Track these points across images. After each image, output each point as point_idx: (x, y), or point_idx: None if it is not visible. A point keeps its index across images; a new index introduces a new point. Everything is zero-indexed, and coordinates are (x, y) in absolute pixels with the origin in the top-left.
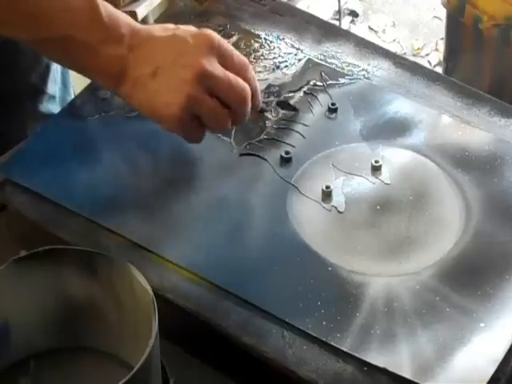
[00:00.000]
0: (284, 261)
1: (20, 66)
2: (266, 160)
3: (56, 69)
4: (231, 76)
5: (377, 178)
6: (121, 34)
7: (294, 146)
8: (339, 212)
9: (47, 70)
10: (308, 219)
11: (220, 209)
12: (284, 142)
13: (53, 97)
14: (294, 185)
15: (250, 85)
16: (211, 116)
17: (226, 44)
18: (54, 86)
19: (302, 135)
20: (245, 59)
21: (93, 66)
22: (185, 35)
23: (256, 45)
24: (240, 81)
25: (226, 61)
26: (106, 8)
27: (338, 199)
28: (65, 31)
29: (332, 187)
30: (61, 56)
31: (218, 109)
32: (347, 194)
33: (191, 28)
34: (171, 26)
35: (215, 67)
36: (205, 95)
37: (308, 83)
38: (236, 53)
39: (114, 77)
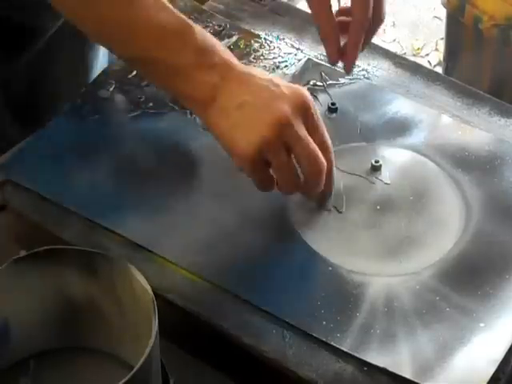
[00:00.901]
0: (284, 261)
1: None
2: None
3: None
4: (313, 143)
5: (377, 178)
6: (214, 61)
7: None
8: (339, 212)
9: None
10: (308, 219)
11: (220, 209)
12: None
13: None
14: None
15: (327, 164)
16: (281, 169)
17: (318, 114)
18: None
19: None
20: (329, 140)
21: (182, 90)
22: (282, 85)
23: (256, 45)
24: (320, 153)
25: (312, 128)
26: (201, 33)
27: (337, 199)
28: (156, 52)
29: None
30: (150, 76)
31: (290, 164)
32: (347, 194)
33: (291, 84)
34: (267, 73)
35: (300, 125)
36: (281, 145)
37: (308, 83)
38: (323, 128)
39: (203, 102)
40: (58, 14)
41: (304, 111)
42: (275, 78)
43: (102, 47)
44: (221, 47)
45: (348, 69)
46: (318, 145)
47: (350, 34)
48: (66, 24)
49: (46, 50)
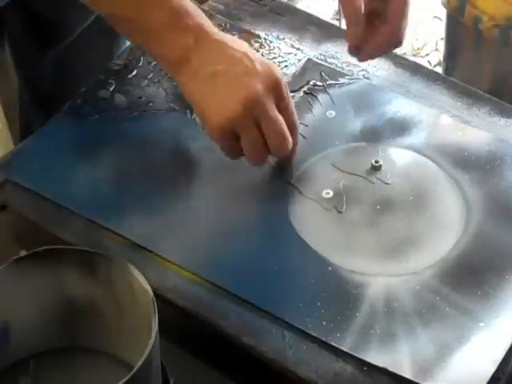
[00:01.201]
0: (284, 261)
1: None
2: None
3: None
4: (281, 122)
5: (377, 178)
6: (188, 24)
7: None
8: (339, 212)
9: None
10: (308, 219)
11: (220, 209)
12: None
13: None
14: (294, 185)
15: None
16: (250, 143)
17: (288, 92)
18: None
19: (302, 135)
20: (297, 118)
21: (156, 50)
22: (256, 60)
23: (256, 45)
24: (287, 131)
25: (281, 106)
26: None
27: (337, 199)
28: (133, 11)
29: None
30: (128, 35)
31: (258, 139)
32: (347, 193)
33: (265, 60)
34: (246, 44)
35: (270, 104)
36: (250, 121)
37: (308, 83)
38: (293, 106)
39: (176, 63)
40: (86, 13)
41: (275, 90)
42: (250, 51)
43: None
44: (197, 12)
45: (361, 58)
46: (286, 122)
47: (381, 34)
48: (94, 23)
49: (72, 47)
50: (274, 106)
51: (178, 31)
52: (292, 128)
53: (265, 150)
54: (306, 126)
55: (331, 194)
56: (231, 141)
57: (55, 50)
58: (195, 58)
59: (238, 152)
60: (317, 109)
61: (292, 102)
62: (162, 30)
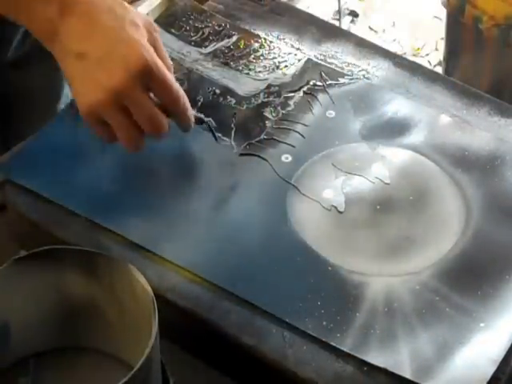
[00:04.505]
0: (284, 261)
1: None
2: (266, 160)
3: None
4: (150, 107)
5: (377, 177)
6: None
7: (294, 146)
8: (339, 212)
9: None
10: (308, 219)
11: (220, 209)
12: (284, 142)
13: None
14: (294, 185)
15: (180, 107)
16: (119, 129)
17: (163, 69)
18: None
19: (302, 135)
20: (177, 91)
21: (25, 23)
22: (123, 39)
23: (256, 45)
24: (159, 114)
25: (156, 89)
26: None
27: (338, 199)
28: None
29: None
30: (2, 9)
31: (128, 124)
32: (347, 193)
33: (135, 32)
34: (120, 12)
35: (138, 91)
36: (117, 108)
37: (308, 83)
38: (169, 82)
39: (45, 39)
40: (21, 26)
41: (143, 74)
42: (120, 23)
43: None
44: None
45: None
46: (164, 99)
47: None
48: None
49: (14, 62)
50: (141, 90)
51: (42, 2)
52: (173, 102)
53: (138, 134)
54: (306, 126)
55: (331, 194)
56: (102, 126)
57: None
58: (62, 31)
59: (112, 137)
60: (317, 109)
61: (168, 78)
62: (27, 2)
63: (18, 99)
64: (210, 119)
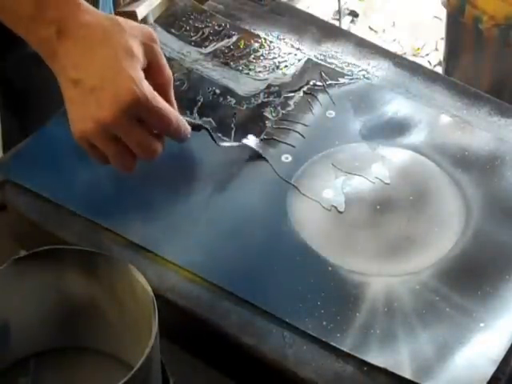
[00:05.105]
0: (284, 261)
1: None
2: (266, 160)
3: None
4: (141, 134)
5: (377, 177)
6: (51, 15)
7: (294, 146)
8: (339, 212)
9: None
10: (308, 219)
11: (220, 209)
12: (284, 142)
13: None
14: (293, 185)
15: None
16: (111, 156)
17: (154, 98)
18: None
19: (302, 135)
20: (169, 115)
21: (28, 41)
22: (115, 72)
23: (256, 45)
24: (150, 140)
25: (147, 119)
26: None
27: (337, 199)
28: (6, 1)
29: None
30: (10, 26)
31: (118, 152)
32: (347, 193)
33: (129, 66)
34: (115, 40)
35: (128, 122)
36: (106, 138)
37: (308, 83)
38: (161, 110)
39: (46, 57)
40: None
41: (134, 108)
42: (117, 49)
43: None
44: (70, 3)
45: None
46: (159, 128)
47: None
48: None
49: (35, 55)
50: (131, 121)
51: (42, 23)
52: (165, 128)
53: (129, 159)
54: (306, 126)
55: (331, 194)
56: (94, 150)
57: (15, 54)
58: (61, 53)
59: (104, 160)
60: (317, 109)
61: (160, 105)
62: (27, 22)
63: (37, 90)
64: (210, 119)
